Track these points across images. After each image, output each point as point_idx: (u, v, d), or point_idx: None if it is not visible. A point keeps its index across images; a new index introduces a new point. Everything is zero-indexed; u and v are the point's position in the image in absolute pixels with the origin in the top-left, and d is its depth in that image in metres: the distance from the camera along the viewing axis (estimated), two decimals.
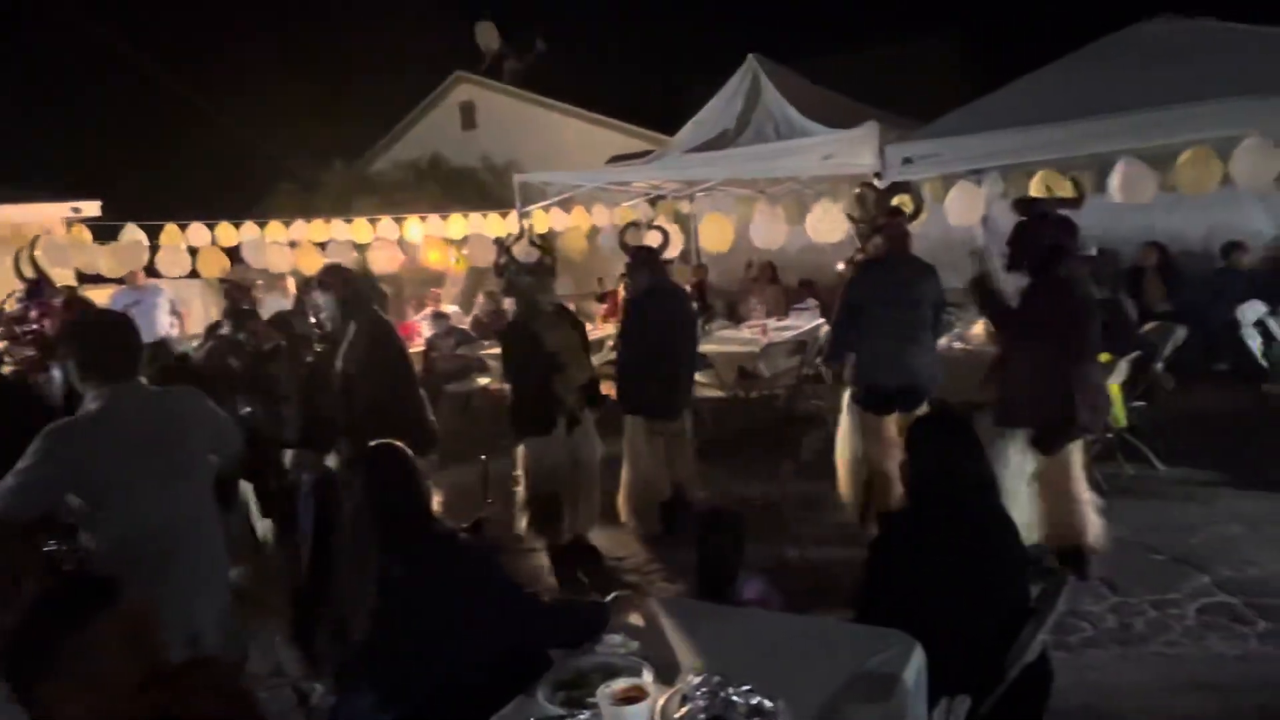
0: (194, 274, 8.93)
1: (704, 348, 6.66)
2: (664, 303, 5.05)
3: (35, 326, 4.54)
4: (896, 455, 3.21)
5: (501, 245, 5.16)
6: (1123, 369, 5.34)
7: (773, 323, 8.30)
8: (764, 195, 8.41)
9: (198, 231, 9.09)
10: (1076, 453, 4.15)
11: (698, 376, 6.03)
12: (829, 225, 6.58)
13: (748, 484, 5.88)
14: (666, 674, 2.05)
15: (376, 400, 4.23)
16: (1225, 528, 4.63)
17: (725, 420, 7.11)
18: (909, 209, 5.11)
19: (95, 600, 1.59)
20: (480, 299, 9.98)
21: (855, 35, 16.51)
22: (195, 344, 6.35)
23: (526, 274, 4.78)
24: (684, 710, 1.82)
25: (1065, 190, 5.15)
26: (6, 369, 4.49)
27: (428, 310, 9.76)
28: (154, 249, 8.42)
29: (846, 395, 4.82)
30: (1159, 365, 5.82)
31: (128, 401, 2.53)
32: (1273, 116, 5.01)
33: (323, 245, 9.45)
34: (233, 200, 12.56)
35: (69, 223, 9.22)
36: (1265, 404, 6.18)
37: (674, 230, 6.73)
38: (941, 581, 2.39)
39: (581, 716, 1.93)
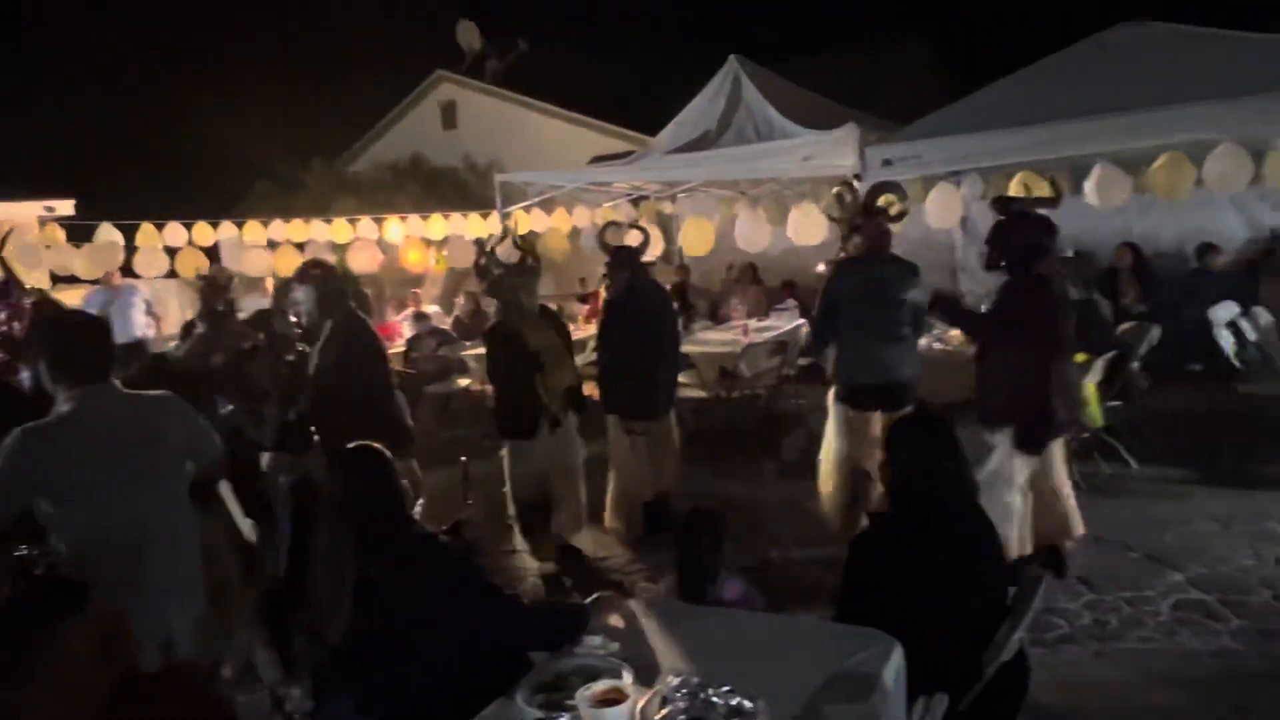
0: (172, 274, 8.84)
1: (685, 348, 6.67)
2: (643, 302, 5.04)
3: (4, 329, 4.47)
4: (878, 455, 3.23)
5: (482, 246, 5.15)
6: (1099, 369, 5.40)
7: (754, 323, 8.33)
8: (745, 196, 8.44)
9: (174, 231, 8.99)
10: (1058, 450, 4.19)
11: (680, 377, 6.03)
12: (809, 227, 6.61)
13: (730, 484, 5.89)
14: (646, 675, 2.05)
15: (350, 399, 4.19)
16: (1198, 525, 4.69)
17: (707, 420, 7.13)
18: (896, 208, 5.11)
19: (66, 605, 1.57)
20: (461, 299, 9.95)
21: (835, 37, 16.60)
22: (172, 344, 6.28)
23: (510, 275, 4.76)
24: (664, 712, 1.81)
25: (1043, 190, 5.20)
26: None
27: (408, 311, 9.72)
28: (130, 249, 8.32)
29: (830, 394, 4.83)
30: (1134, 365, 5.89)
31: (98, 404, 2.49)
32: (1241, 120, 5.10)
33: (301, 246, 9.38)
34: (210, 200, 12.45)
35: (42, 222, 9.09)
36: (1237, 403, 6.27)
37: (655, 231, 6.74)
38: (920, 580, 2.40)
39: (561, 719, 1.93)
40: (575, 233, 9.53)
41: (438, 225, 10.19)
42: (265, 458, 4.22)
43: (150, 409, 2.64)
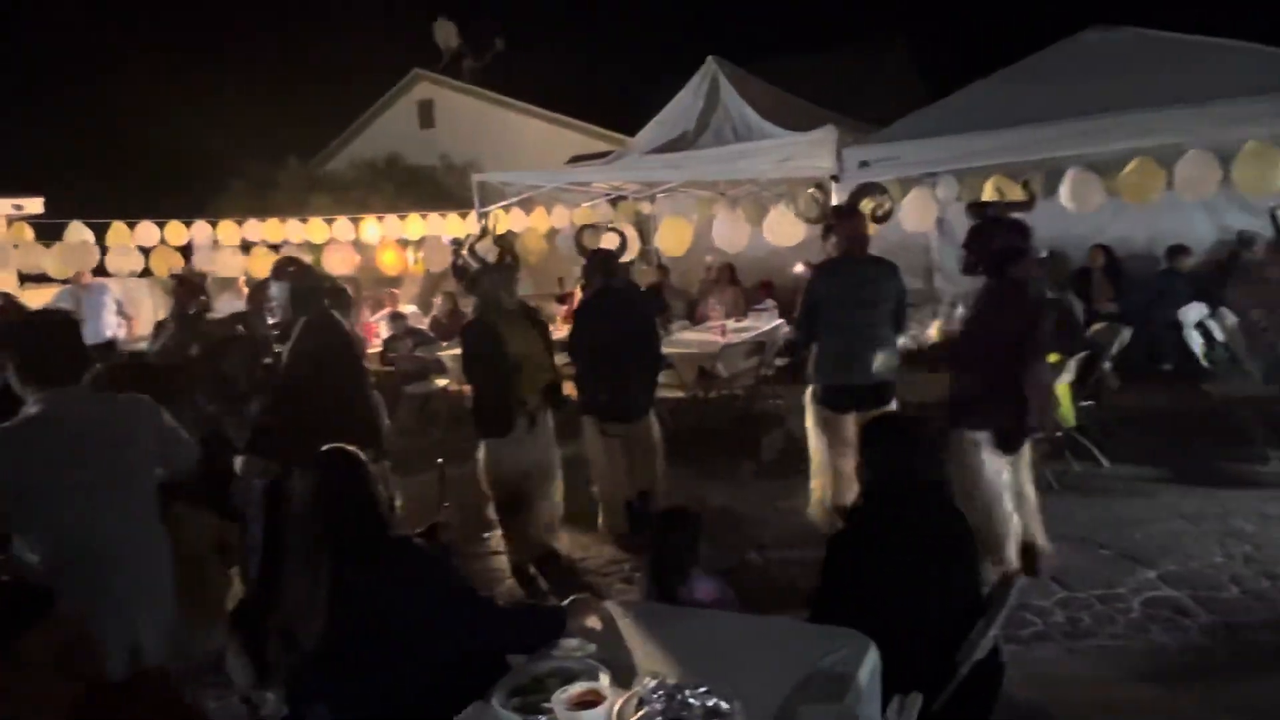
0: (146, 272, 8.72)
1: (663, 348, 6.66)
2: (618, 304, 5.01)
3: None
4: (854, 455, 3.25)
5: (458, 245, 5.11)
6: (1071, 369, 5.47)
7: (731, 323, 8.35)
8: (724, 197, 8.46)
9: (146, 230, 8.87)
10: (1027, 452, 4.24)
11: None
12: (787, 228, 6.64)
13: (708, 484, 5.90)
14: (624, 677, 2.05)
15: (318, 398, 4.14)
16: (1168, 523, 4.76)
17: (685, 420, 7.14)
18: (881, 210, 5.11)
19: (29, 613, 1.54)
20: (438, 299, 9.89)
21: (814, 39, 16.70)
22: (144, 345, 6.19)
23: (489, 272, 4.74)
24: (641, 713, 1.81)
25: (1017, 194, 5.26)
26: None
27: (385, 311, 9.65)
28: (101, 248, 8.20)
29: (808, 393, 4.85)
30: (1106, 365, 5.97)
31: (68, 407, 2.45)
32: (1209, 125, 5.19)
33: (276, 246, 9.29)
34: (184, 199, 12.27)
35: (10, 220, 8.93)
36: (1206, 403, 6.37)
37: (631, 233, 6.73)
38: (895, 580, 2.42)
39: None
40: (553, 233, 9.51)
41: (415, 225, 10.12)
42: (238, 461, 4.16)
43: (121, 412, 2.60)
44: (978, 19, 15.88)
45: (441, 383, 8.02)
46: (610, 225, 7.70)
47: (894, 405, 4.67)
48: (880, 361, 4.64)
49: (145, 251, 8.63)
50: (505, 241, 5.25)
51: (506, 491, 4.71)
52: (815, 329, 4.70)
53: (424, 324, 9.43)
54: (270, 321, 5.06)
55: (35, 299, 7.78)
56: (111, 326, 8.38)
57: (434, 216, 10.25)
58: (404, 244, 10.18)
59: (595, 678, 2.02)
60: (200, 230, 9.30)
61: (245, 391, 4.38)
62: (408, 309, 10.02)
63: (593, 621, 2.34)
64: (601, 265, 5.06)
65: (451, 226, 10.04)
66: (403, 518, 4.81)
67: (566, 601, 2.47)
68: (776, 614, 3.09)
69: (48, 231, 8.33)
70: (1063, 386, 5.35)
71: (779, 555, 4.72)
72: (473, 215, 8.86)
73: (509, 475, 4.67)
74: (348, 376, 4.52)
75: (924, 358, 6.73)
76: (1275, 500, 4.94)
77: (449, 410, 7.80)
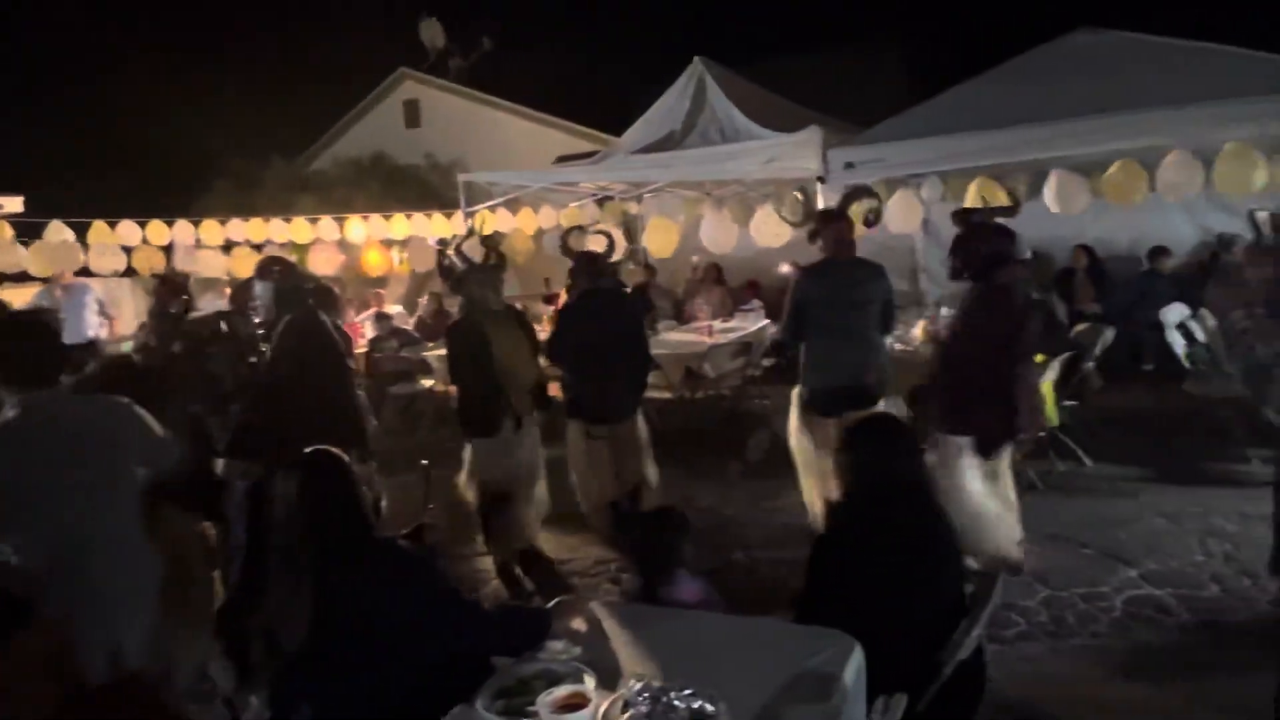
0: (130, 272, 8.65)
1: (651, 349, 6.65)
2: (604, 305, 5.00)
3: None
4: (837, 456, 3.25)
5: (444, 245, 5.09)
6: (1055, 369, 5.51)
7: (718, 323, 8.36)
8: (710, 197, 8.47)
9: (128, 229, 8.79)
10: (1007, 455, 4.26)
11: None
12: (773, 228, 6.65)
13: (694, 484, 5.90)
14: (609, 679, 2.04)
15: (301, 398, 4.12)
16: (1151, 522, 4.80)
17: (671, 420, 7.14)
18: (872, 213, 5.11)
19: (8, 618, 1.52)
20: (424, 300, 9.85)
21: (800, 41, 16.75)
22: (127, 345, 6.14)
23: (475, 272, 4.72)
24: (626, 716, 1.81)
25: (1001, 199, 5.28)
26: None
27: (370, 311, 9.60)
28: (85, 248, 8.12)
29: (794, 393, 4.85)
30: (1089, 365, 6.02)
31: (45, 409, 2.43)
32: (1191, 127, 5.24)
33: (259, 246, 9.22)
34: (167, 198, 12.16)
35: None
36: (1188, 403, 6.43)
37: (618, 234, 6.72)
38: (879, 580, 2.43)
39: None
40: (540, 233, 9.50)
41: (400, 225, 10.08)
42: (220, 463, 4.13)
43: (100, 414, 2.58)
44: (971, 22, 15.93)
45: (427, 383, 7.99)
46: (597, 226, 7.70)
47: (883, 406, 4.68)
48: (869, 363, 4.65)
49: (128, 251, 8.55)
50: (492, 242, 5.23)
51: (492, 492, 4.69)
52: (802, 330, 4.70)
53: (409, 324, 9.39)
54: (255, 321, 5.02)
55: (15, 299, 7.70)
56: (93, 326, 8.31)
57: (419, 216, 10.21)
58: (389, 244, 10.13)
59: (580, 680, 2.02)
60: (183, 230, 9.22)
61: (231, 391, 4.36)
62: (393, 309, 9.98)
63: (578, 623, 2.34)
64: (588, 267, 5.05)
65: (437, 226, 10.00)
66: (388, 519, 4.78)
67: (552, 603, 2.47)
68: (762, 614, 3.10)
69: (27, 230, 8.24)
70: (1046, 386, 5.39)
71: (765, 555, 4.73)
72: (458, 215, 8.84)
73: (495, 476, 4.65)
74: (332, 376, 4.49)
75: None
76: (1255, 499, 4.97)
77: (434, 411, 7.77)
